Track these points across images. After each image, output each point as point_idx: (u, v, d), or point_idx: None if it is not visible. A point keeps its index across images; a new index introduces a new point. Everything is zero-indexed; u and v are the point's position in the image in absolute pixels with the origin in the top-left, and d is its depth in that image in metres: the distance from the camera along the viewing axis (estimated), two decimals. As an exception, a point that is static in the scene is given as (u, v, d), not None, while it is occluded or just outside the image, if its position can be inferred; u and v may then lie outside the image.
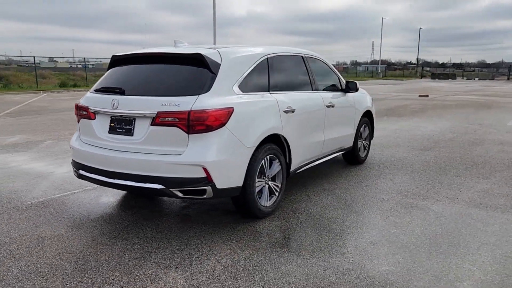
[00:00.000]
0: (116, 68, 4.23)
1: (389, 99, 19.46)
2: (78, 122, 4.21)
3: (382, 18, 73.81)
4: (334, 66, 5.91)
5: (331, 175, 5.76)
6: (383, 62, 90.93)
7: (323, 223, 4.03)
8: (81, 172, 4.01)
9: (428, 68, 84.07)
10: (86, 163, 3.94)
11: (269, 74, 4.32)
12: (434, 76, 60.26)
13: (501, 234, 3.77)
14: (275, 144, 4.18)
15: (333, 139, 5.37)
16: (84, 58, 35.32)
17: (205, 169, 3.45)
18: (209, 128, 3.49)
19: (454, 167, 6.23)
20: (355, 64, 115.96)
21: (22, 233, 3.76)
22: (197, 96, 3.53)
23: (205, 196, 3.53)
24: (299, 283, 2.92)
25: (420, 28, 79.21)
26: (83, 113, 4.08)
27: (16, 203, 4.55)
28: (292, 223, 4.04)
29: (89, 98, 4.09)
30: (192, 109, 3.45)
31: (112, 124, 3.83)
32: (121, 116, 3.77)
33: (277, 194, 4.28)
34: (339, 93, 5.64)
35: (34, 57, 29.83)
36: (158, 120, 3.52)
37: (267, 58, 4.35)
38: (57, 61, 67.37)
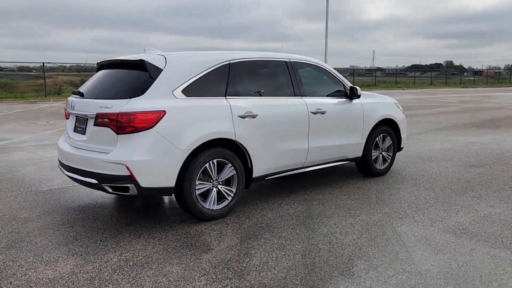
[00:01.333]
0: (96, 73, 4.71)
1: (504, 109, 17.16)
2: None
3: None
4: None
5: (332, 184, 5.48)
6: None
7: (258, 231, 3.93)
8: (59, 166, 4.56)
9: None
10: (60, 158, 4.48)
11: (229, 80, 4.35)
12: None
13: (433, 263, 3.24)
14: (227, 149, 4.20)
15: (326, 148, 5.12)
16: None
17: (128, 168, 3.68)
18: (136, 130, 3.71)
19: (485, 186, 5.38)
20: (511, 69, 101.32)
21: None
22: (129, 99, 3.78)
23: (129, 193, 3.76)
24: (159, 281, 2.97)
25: None
26: (66, 113, 4.64)
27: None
28: (230, 228, 4.02)
29: (68, 100, 4.64)
30: (120, 111, 3.71)
31: (76, 124, 4.30)
32: (78, 116, 4.21)
33: (230, 198, 4.29)
34: (338, 99, 5.35)
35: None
36: (98, 120, 3.86)
37: (229, 64, 4.39)
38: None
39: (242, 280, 3.01)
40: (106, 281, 3.01)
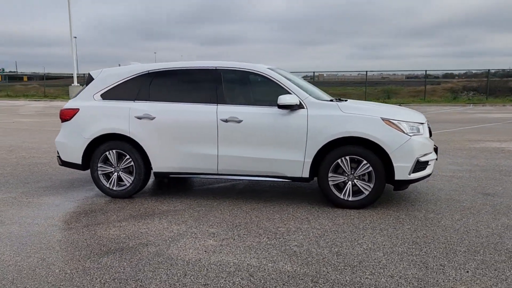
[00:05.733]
0: None
1: None
2: None
3: None
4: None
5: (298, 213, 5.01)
6: None
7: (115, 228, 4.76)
8: None
9: None
10: None
11: (141, 86, 5.20)
12: None
13: None
14: (127, 143, 5.14)
15: (245, 158, 4.87)
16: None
17: (56, 146, 5.46)
18: (63, 120, 5.42)
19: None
20: None
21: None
22: (71, 100, 5.50)
23: (60, 164, 5.49)
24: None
25: None
26: None
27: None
28: (99, 206, 5.01)
29: None
30: (62, 108, 5.51)
31: None
32: None
33: (127, 184, 5.19)
34: (267, 108, 4.84)
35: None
36: None
37: (147, 73, 5.23)
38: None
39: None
40: None
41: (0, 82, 51.85)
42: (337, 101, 5.05)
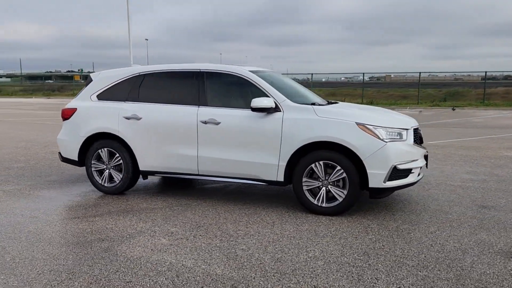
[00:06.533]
0: None
1: None
2: None
3: None
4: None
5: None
6: None
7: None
8: None
9: None
10: None
11: (132, 88, 5.41)
12: None
13: None
14: (117, 142, 5.38)
15: (224, 160, 4.92)
16: None
17: (57, 143, 5.83)
18: (64, 119, 5.77)
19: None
20: None
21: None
22: (72, 100, 5.85)
23: (61, 160, 5.84)
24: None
25: None
26: None
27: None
28: (87, 201, 5.28)
29: None
30: (63, 107, 5.88)
31: None
32: None
33: (117, 181, 5.43)
34: (244, 111, 4.83)
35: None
36: None
37: (138, 75, 5.44)
38: None
39: None
40: None
41: (78, 82, 55.61)
42: (320, 105, 4.94)
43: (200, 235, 4.03)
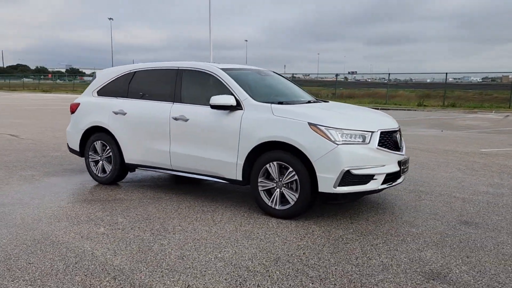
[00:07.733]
0: None
1: None
2: None
3: None
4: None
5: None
6: None
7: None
8: None
9: None
10: None
11: (123, 84, 5.72)
12: None
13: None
14: (107, 134, 5.73)
15: (190, 157, 5.00)
16: None
17: (66, 135, 6.36)
18: (71, 113, 6.28)
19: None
20: None
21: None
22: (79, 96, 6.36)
23: (69, 150, 6.37)
24: None
25: None
26: None
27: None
28: (78, 189, 5.68)
29: None
30: (71, 102, 6.40)
31: None
32: None
33: (108, 172, 5.78)
34: (208, 108, 4.83)
35: None
36: None
37: (129, 72, 5.74)
38: None
39: None
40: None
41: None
42: (287, 104, 4.78)
43: (138, 227, 4.15)
